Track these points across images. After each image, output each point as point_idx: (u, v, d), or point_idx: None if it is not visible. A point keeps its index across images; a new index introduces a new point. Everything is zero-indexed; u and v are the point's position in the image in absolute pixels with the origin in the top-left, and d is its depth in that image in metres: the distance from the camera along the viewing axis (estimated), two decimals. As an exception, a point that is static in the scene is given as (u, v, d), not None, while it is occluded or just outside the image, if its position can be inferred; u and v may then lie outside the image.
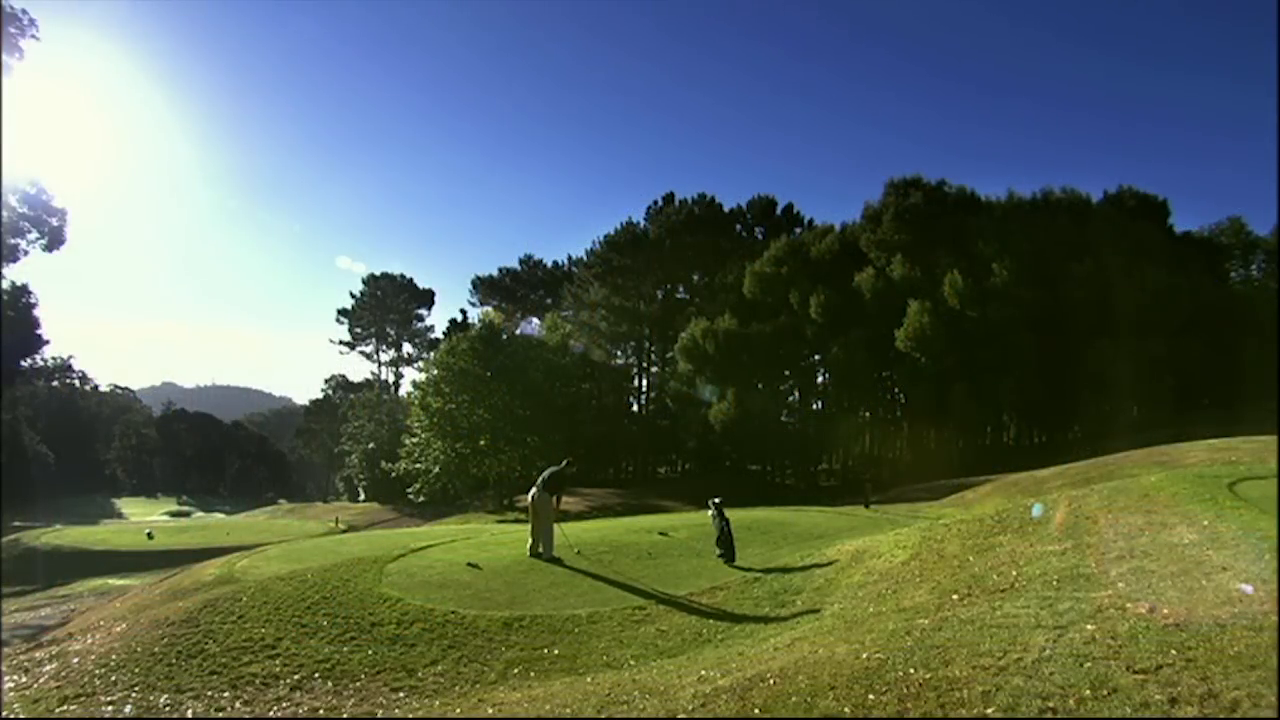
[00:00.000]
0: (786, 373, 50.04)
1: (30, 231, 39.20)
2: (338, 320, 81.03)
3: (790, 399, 52.01)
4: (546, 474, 9.83)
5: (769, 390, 48.35)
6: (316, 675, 5.85)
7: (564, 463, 10.35)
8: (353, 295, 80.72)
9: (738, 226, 59.75)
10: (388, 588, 7.74)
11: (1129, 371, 37.75)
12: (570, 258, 66.56)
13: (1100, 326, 39.75)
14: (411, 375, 69.72)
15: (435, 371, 41.71)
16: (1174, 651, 3.63)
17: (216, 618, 6.89)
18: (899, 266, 44.12)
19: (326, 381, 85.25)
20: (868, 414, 49.97)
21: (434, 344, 67.19)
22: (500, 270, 69.74)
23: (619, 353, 60.14)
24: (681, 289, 59.30)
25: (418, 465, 41.49)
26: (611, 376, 56.71)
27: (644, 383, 60.61)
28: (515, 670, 5.95)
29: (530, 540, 9.61)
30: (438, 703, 5.38)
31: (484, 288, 69.00)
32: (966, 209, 47.27)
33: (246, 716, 5.27)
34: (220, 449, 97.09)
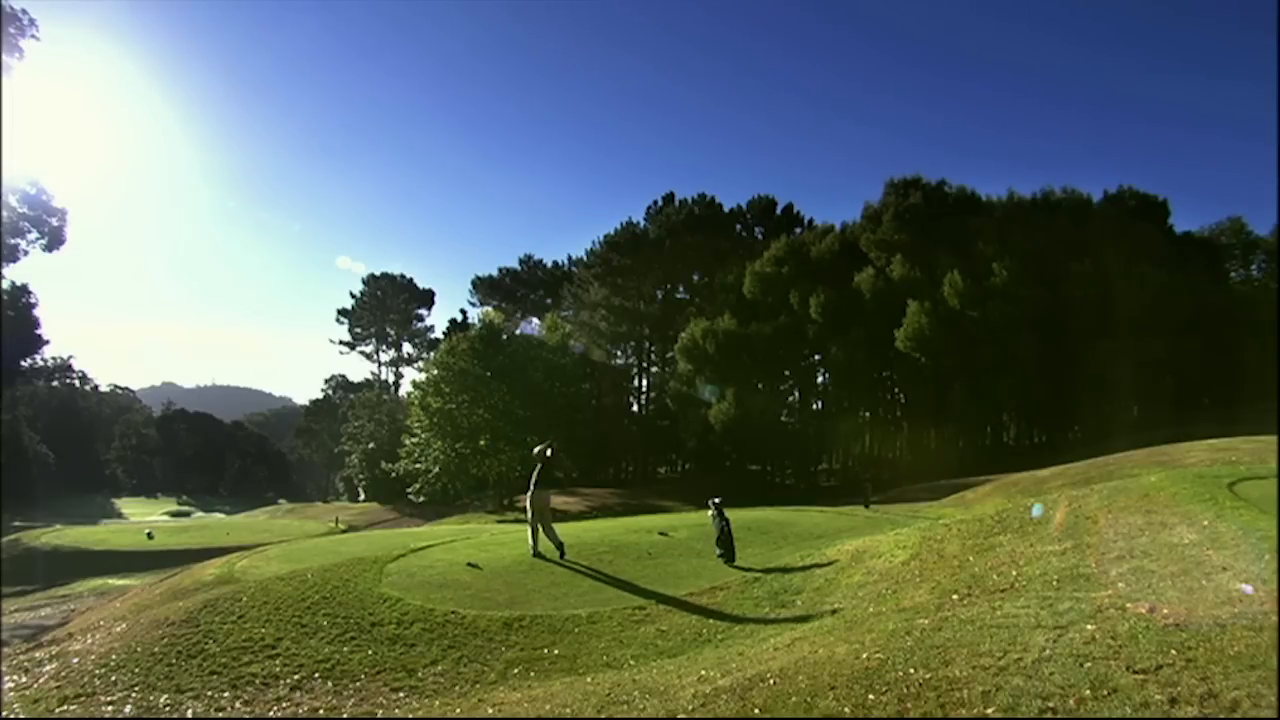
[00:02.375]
0: (786, 373, 50.06)
1: (30, 231, 39.26)
2: (338, 320, 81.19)
3: (790, 399, 52.04)
4: (535, 471, 9.80)
5: (769, 390, 48.37)
6: (316, 675, 5.85)
7: (545, 450, 9.84)
8: (353, 295, 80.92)
9: (738, 226, 59.82)
10: (388, 588, 7.74)
11: (1129, 371, 37.78)
12: (570, 258, 66.71)
13: (1100, 326, 39.78)
14: (411, 375, 69.82)
15: (435, 371, 41.74)
16: (1174, 651, 3.63)
17: (216, 618, 6.89)
18: (899, 266, 44.14)
19: (326, 381, 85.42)
20: (868, 414, 49.98)
21: (434, 344, 67.26)
22: (500, 270, 69.90)
23: (619, 353, 60.16)
24: (681, 289, 59.36)
25: (418, 465, 41.52)
26: (611, 376, 56.72)
27: (644, 383, 60.64)
28: (515, 670, 5.95)
29: (530, 539, 9.62)
30: (438, 703, 5.38)
31: (484, 288, 69.06)
32: (966, 209, 47.32)
33: (246, 716, 5.27)
34: (220, 449, 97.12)
